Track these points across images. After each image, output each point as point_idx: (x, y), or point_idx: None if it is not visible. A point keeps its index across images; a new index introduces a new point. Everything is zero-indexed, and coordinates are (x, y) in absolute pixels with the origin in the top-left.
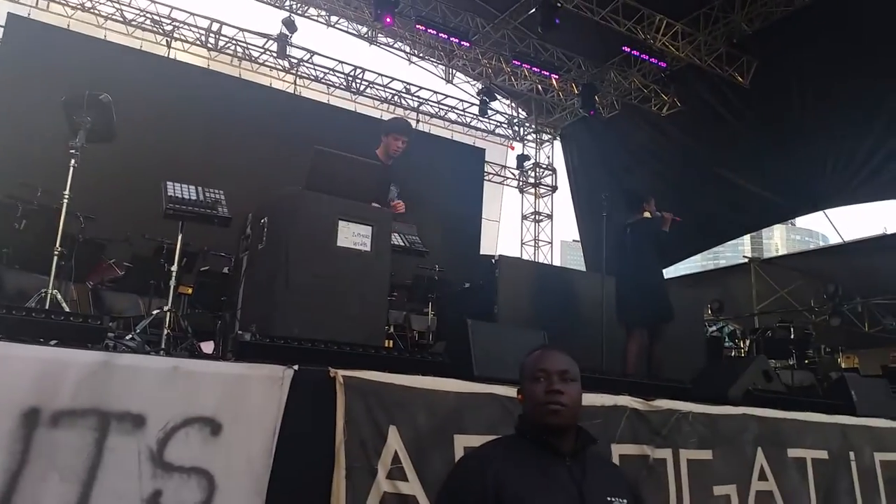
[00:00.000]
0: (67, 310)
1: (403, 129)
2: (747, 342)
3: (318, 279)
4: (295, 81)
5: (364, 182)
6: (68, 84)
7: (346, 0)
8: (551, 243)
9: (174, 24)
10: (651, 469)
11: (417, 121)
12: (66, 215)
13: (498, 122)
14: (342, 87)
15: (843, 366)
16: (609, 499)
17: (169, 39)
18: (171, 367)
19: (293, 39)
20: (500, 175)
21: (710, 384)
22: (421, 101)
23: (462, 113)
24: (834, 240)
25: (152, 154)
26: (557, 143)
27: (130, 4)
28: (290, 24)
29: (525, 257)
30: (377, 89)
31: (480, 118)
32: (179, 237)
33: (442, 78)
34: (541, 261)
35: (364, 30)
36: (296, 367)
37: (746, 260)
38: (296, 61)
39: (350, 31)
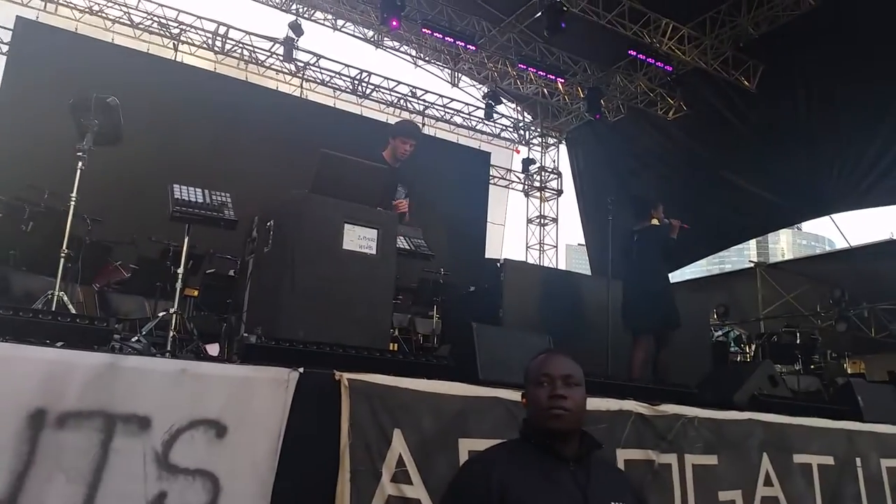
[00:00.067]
0: (74, 312)
1: (411, 133)
2: (753, 347)
3: (323, 282)
4: (301, 85)
5: (370, 185)
6: (76, 87)
7: (353, 4)
8: (556, 247)
9: (181, 27)
10: (656, 474)
11: (423, 124)
12: (73, 217)
13: (503, 125)
14: (348, 90)
15: (849, 371)
16: (613, 503)
17: (176, 43)
18: (176, 369)
19: (299, 43)
20: (505, 178)
21: (716, 389)
22: (426, 104)
23: (467, 116)
24: (840, 245)
25: (159, 157)
26: (563, 147)
27: (138, 8)
28: (296, 28)
29: (530, 261)
30: (383, 93)
31: (486, 122)
32: (186, 240)
33: (448, 81)
34: (546, 264)
35: (370, 33)
36: (301, 369)
37: (752, 264)
38: (302, 65)
39: (356, 34)
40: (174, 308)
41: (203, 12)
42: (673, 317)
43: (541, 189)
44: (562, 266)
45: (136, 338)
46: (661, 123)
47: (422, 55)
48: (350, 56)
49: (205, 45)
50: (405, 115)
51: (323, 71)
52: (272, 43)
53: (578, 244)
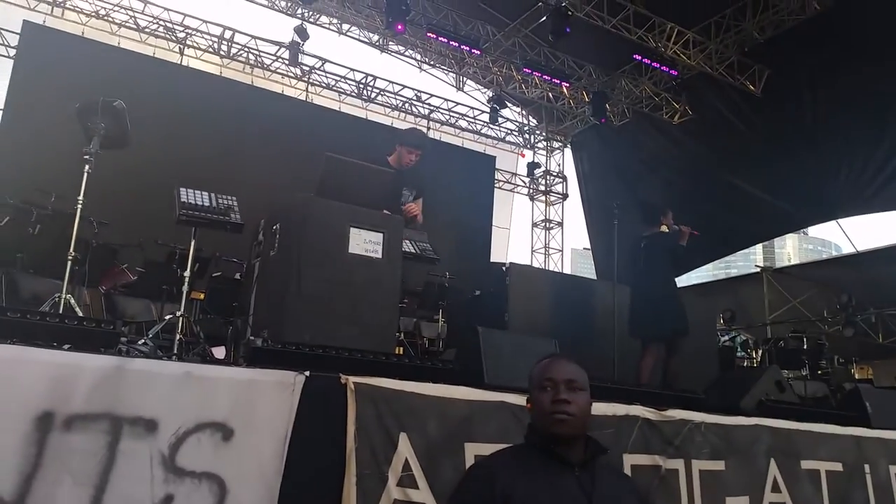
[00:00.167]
0: (81, 314)
1: (418, 143)
2: (760, 352)
3: (329, 285)
4: (307, 89)
5: (375, 189)
6: (83, 91)
7: (358, 8)
8: (562, 251)
9: (187, 31)
10: (663, 480)
11: (428, 128)
12: (80, 220)
13: (508, 129)
14: (353, 94)
15: (856, 377)
16: None
17: (182, 46)
18: (183, 372)
19: (305, 47)
20: (510, 182)
21: (723, 394)
22: (432, 108)
23: (472, 120)
24: (847, 249)
25: (165, 160)
26: (568, 151)
27: (144, 12)
28: (301, 32)
29: (535, 265)
30: (388, 97)
31: (491, 126)
32: (192, 243)
33: (452, 86)
34: (551, 268)
35: (375, 38)
36: (307, 373)
37: (759, 269)
38: (307, 69)
39: (361, 38)
40: (180, 311)
41: (209, 16)
42: (682, 325)
43: (546, 193)
44: (567, 270)
45: (143, 340)
46: (666, 128)
47: (427, 59)
48: (355, 60)
49: (211, 49)
50: (410, 119)
51: (328, 75)
52: (278, 47)
53: (584, 248)
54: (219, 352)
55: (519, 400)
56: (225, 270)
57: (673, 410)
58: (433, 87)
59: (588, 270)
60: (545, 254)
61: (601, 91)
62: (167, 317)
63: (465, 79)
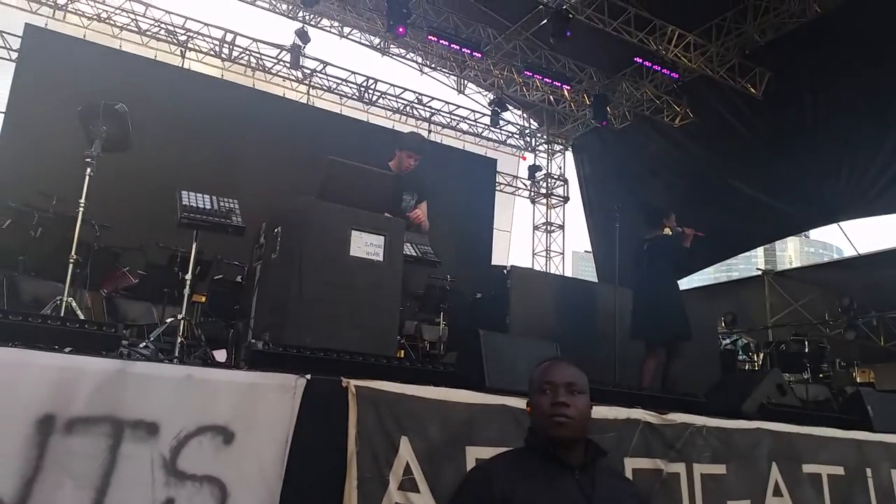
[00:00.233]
0: (82, 317)
1: (416, 148)
2: (761, 355)
3: (330, 288)
4: (308, 92)
5: (377, 192)
6: (84, 94)
7: (359, 11)
8: (563, 254)
9: (188, 34)
10: (664, 483)
11: (429, 131)
12: (82, 223)
13: (510, 132)
14: (355, 97)
15: (858, 380)
16: None
17: (183, 49)
18: (184, 375)
19: (306, 50)
20: (511, 185)
21: (724, 398)
22: (433, 111)
23: (474, 123)
24: (848, 252)
25: (167, 163)
26: (569, 154)
27: (145, 15)
28: (303, 35)
29: (536, 268)
30: (389, 100)
31: (492, 129)
32: (194, 246)
33: (454, 88)
34: (552, 271)
35: (376, 41)
36: (308, 376)
37: (760, 272)
38: (309, 72)
39: (363, 42)
40: (182, 314)
41: (210, 19)
42: (683, 328)
43: (547, 196)
44: (568, 273)
45: (144, 344)
46: (667, 131)
47: (428, 62)
48: (356, 63)
49: (212, 52)
50: (411, 122)
51: (329, 78)
52: (279, 50)
53: (585, 251)
54: (220, 355)
55: (520, 403)
56: (226, 273)
57: (674, 414)
58: (434, 90)
59: (589, 273)
60: (546, 257)
61: (602, 94)
62: (168, 320)
63: (466, 82)
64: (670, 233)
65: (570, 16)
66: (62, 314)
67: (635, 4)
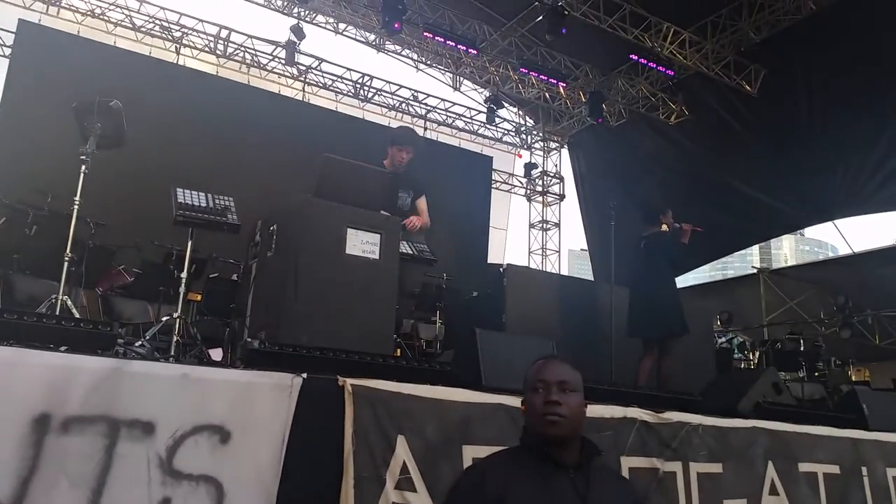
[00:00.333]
0: (78, 316)
1: (407, 140)
2: (757, 354)
3: (327, 287)
4: (303, 88)
5: (373, 189)
6: (79, 90)
7: (354, 7)
8: (559, 252)
9: (183, 30)
10: (661, 482)
11: (425, 128)
12: (77, 221)
13: (505, 130)
14: (350, 94)
15: (853, 379)
16: None
17: (178, 46)
18: (180, 374)
19: (301, 46)
20: (507, 183)
21: (720, 396)
22: (428, 108)
23: (469, 121)
24: (844, 251)
25: (162, 160)
26: (565, 152)
27: (140, 11)
28: (298, 32)
29: (532, 266)
30: (385, 97)
31: (488, 126)
32: (189, 244)
33: (449, 85)
34: (548, 269)
35: (372, 37)
36: (304, 375)
37: (755, 270)
38: (304, 68)
39: (358, 38)
40: (177, 313)
41: (205, 16)
42: (678, 325)
43: (543, 194)
44: (564, 271)
45: (140, 342)
46: (663, 128)
47: (423, 59)
48: (352, 60)
49: (207, 49)
50: (407, 119)
51: (325, 75)
52: (274, 46)
53: (581, 249)
54: (216, 353)
55: (516, 402)
56: (222, 272)
57: (670, 412)
58: (430, 87)
59: (585, 271)
60: (542, 255)
61: (598, 91)
62: (164, 318)
63: (461, 79)
64: (667, 229)
65: (566, 12)
66: (57, 313)
67: (631, 1)
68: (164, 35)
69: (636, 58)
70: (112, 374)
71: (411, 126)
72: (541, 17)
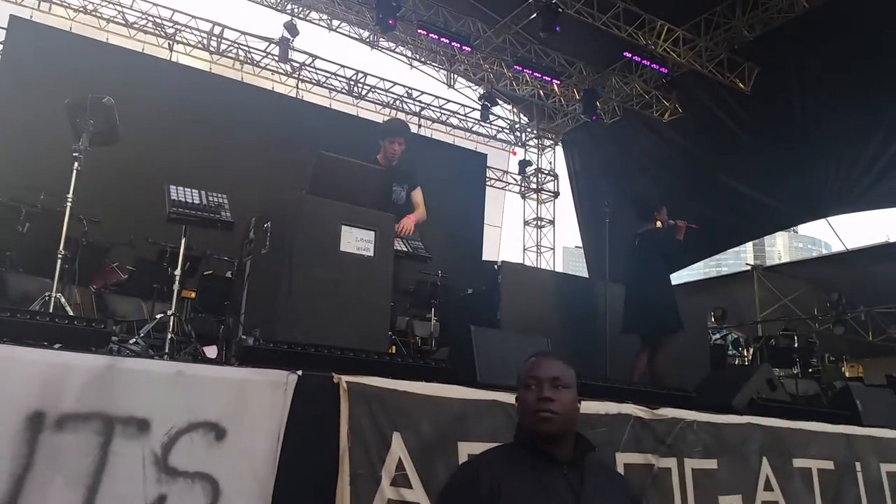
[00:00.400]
0: (71, 313)
1: (397, 131)
2: (751, 350)
3: (321, 284)
4: (297, 85)
5: (367, 187)
6: (71, 87)
7: (348, 4)
8: (553, 249)
9: (176, 27)
10: (656, 478)
11: (419, 126)
12: (70, 218)
13: (500, 127)
14: (344, 91)
15: (847, 375)
16: None
17: (171, 42)
18: (175, 371)
19: (295, 43)
20: (502, 180)
21: (715, 393)
22: (422, 105)
23: (464, 118)
24: (837, 248)
25: (155, 157)
26: (559, 149)
27: (132, 7)
28: (291, 28)
29: (527, 263)
30: (379, 94)
31: (482, 123)
32: (183, 241)
33: (443, 83)
34: (543, 267)
35: (366, 34)
36: (299, 372)
37: (749, 267)
38: (298, 65)
39: (352, 35)
40: (172, 310)
41: (198, 12)
42: (672, 321)
43: (537, 191)
44: (559, 268)
45: (134, 340)
46: (656, 125)
47: (417, 56)
48: (346, 57)
49: (200, 45)
50: (401, 116)
51: (318, 71)
52: (267, 43)
53: (576, 246)
54: (210, 351)
55: (511, 398)
56: (216, 269)
57: (665, 409)
58: (424, 85)
59: (580, 268)
60: (537, 252)
61: (592, 89)
62: (158, 316)
63: (456, 76)
64: (661, 226)
65: (560, 10)
66: (51, 310)
67: None
68: (156, 31)
69: (630, 55)
70: (106, 371)
71: (401, 118)
72: (535, 15)
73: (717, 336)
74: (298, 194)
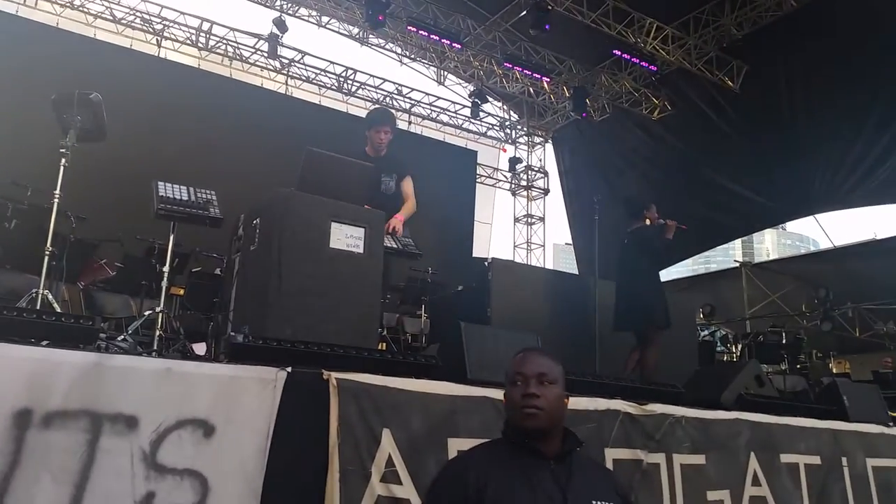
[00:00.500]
0: (59, 310)
1: (381, 120)
2: (739, 347)
3: (311, 281)
4: (286, 82)
5: (356, 183)
6: (58, 83)
7: (337, 1)
8: (543, 246)
9: (164, 23)
10: (645, 474)
11: (409, 122)
12: (57, 215)
13: (490, 124)
14: (334, 87)
15: (834, 371)
16: (594, 502)
17: (159, 38)
18: (163, 368)
19: (284, 39)
20: (492, 178)
21: (703, 389)
22: (413, 102)
23: (454, 115)
24: (825, 245)
25: (143, 154)
26: (549, 146)
27: (120, 3)
28: (280, 24)
29: (517, 260)
30: (369, 90)
31: (472, 120)
32: (171, 238)
33: (433, 80)
34: (533, 264)
35: (355, 30)
36: (289, 369)
37: (738, 264)
38: (287, 61)
39: (341, 31)
40: (160, 307)
41: (186, 8)
42: (663, 317)
43: (528, 188)
44: (549, 265)
45: (122, 337)
46: (646, 123)
47: (407, 53)
48: (335, 53)
49: (188, 41)
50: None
51: (308, 68)
52: (256, 39)
53: (566, 243)
54: (199, 348)
55: (501, 395)
56: (205, 266)
57: (653, 405)
58: (414, 82)
59: (570, 265)
60: (527, 249)
61: (581, 86)
62: (146, 312)
63: (446, 73)
64: (650, 223)
65: (549, 7)
66: (38, 307)
67: None
68: (145, 27)
69: (619, 53)
70: (94, 368)
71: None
72: (524, 12)
73: (706, 332)
74: (288, 191)
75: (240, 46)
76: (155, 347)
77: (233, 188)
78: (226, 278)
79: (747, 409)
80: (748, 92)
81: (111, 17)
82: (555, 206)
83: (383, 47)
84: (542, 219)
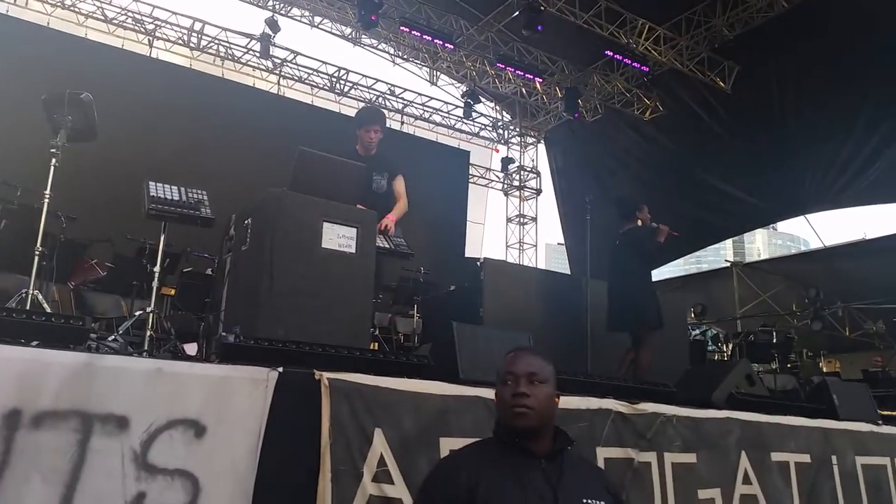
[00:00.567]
0: (49, 310)
1: (371, 119)
2: (730, 346)
3: (302, 281)
4: (278, 82)
5: (348, 183)
6: (48, 82)
7: (330, 1)
8: (536, 246)
9: (156, 22)
10: (636, 472)
11: (402, 122)
12: (48, 215)
13: (482, 124)
14: (326, 87)
15: (824, 370)
16: (585, 501)
17: (151, 38)
18: (154, 368)
19: (276, 39)
20: (484, 178)
21: (694, 388)
22: (405, 102)
23: (447, 115)
24: (815, 245)
25: (134, 154)
26: (542, 147)
27: (112, 3)
28: (273, 24)
29: (510, 260)
30: (362, 91)
31: (465, 121)
32: (162, 238)
33: (426, 80)
34: (525, 264)
35: (348, 31)
36: (280, 369)
37: (729, 264)
38: (279, 61)
39: (334, 31)
40: (151, 307)
41: (178, 8)
42: (653, 317)
43: (520, 188)
44: (541, 265)
45: (113, 337)
46: (637, 124)
47: (400, 53)
48: (327, 53)
49: (180, 41)
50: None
51: (300, 68)
52: (249, 39)
53: (558, 243)
54: (191, 348)
55: (493, 394)
56: (196, 266)
57: (645, 404)
58: (407, 82)
59: (562, 265)
60: (519, 249)
61: (574, 87)
62: (137, 313)
63: (438, 73)
64: (642, 224)
65: (542, 8)
66: (28, 307)
67: None
68: (136, 27)
69: (611, 54)
70: (84, 368)
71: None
72: (517, 13)
73: (697, 332)
74: (279, 191)
75: (232, 46)
76: (146, 348)
77: (224, 188)
78: (217, 278)
79: (738, 407)
80: (739, 92)
81: (102, 17)
82: (547, 207)
83: (376, 47)
84: (534, 219)
